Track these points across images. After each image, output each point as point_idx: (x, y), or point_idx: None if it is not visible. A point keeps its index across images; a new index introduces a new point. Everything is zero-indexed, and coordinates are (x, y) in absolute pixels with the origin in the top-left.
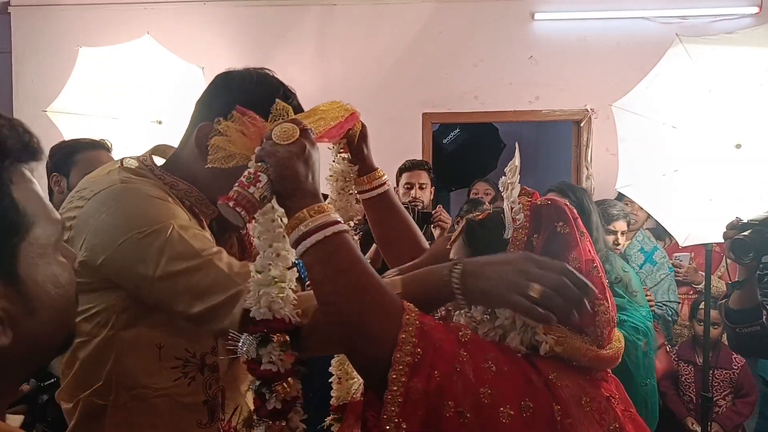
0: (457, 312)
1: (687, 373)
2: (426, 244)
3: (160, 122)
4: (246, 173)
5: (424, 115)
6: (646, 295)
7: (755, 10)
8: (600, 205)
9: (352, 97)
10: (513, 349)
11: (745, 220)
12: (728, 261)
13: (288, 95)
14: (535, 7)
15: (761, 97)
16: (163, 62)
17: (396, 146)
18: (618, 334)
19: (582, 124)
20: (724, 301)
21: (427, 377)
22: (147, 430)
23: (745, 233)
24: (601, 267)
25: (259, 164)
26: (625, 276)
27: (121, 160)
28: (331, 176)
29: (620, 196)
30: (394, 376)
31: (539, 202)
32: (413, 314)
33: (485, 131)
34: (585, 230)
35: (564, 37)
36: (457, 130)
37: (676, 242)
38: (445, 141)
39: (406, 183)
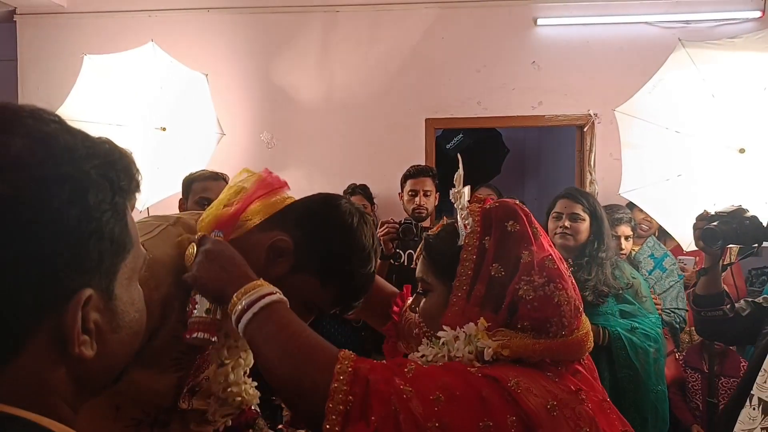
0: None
1: (694, 380)
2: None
3: (164, 129)
4: (189, 303)
5: (427, 120)
6: (655, 302)
7: (758, 14)
8: (606, 210)
9: (354, 103)
10: (466, 364)
11: (713, 213)
12: (733, 273)
13: (369, 259)
14: (537, 12)
15: (765, 101)
16: (167, 69)
17: (399, 152)
18: (584, 320)
19: (585, 129)
20: (692, 289)
21: (364, 423)
22: None
23: (714, 224)
24: (558, 258)
25: (192, 290)
26: (635, 282)
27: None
28: None
29: (632, 204)
30: (327, 427)
31: (488, 206)
32: (347, 362)
33: (488, 137)
34: (539, 226)
35: (567, 43)
36: (460, 135)
37: (679, 245)
38: (448, 146)
39: (411, 190)
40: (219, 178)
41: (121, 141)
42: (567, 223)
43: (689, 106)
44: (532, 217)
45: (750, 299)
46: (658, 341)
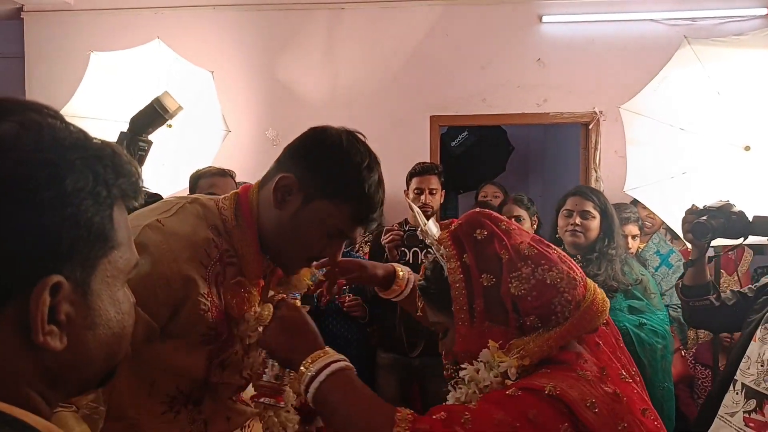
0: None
1: (704, 376)
2: None
3: (170, 126)
4: (261, 364)
5: (432, 117)
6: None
7: (764, 11)
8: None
9: (359, 100)
10: (503, 389)
11: (702, 207)
12: (739, 271)
13: (372, 168)
14: (542, 9)
15: None
16: (173, 66)
17: (404, 149)
18: (589, 285)
19: (590, 127)
20: (680, 280)
21: None
22: None
23: (704, 218)
24: (537, 242)
25: (263, 351)
26: (644, 279)
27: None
28: None
29: (635, 201)
30: None
31: (453, 227)
32: (404, 424)
33: (493, 134)
34: (506, 221)
35: (571, 40)
36: (465, 133)
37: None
38: (453, 144)
39: (416, 188)
40: (226, 175)
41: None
42: (578, 221)
43: (694, 103)
44: (498, 216)
45: (736, 289)
46: (665, 338)
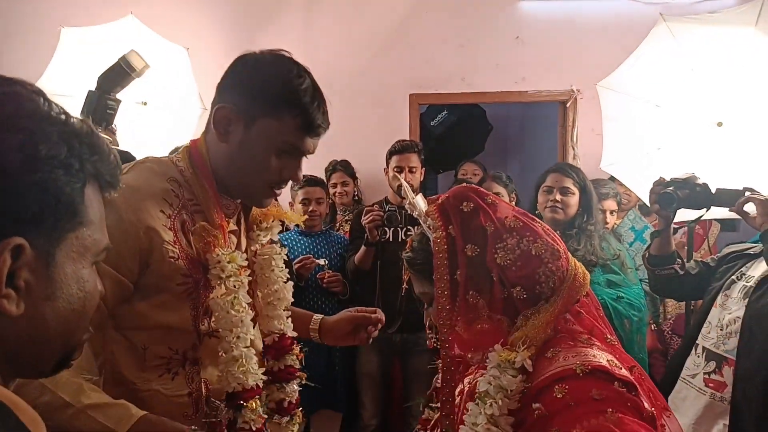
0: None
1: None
2: None
3: (145, 103)
4: None
5: (411, 96)
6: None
7: None
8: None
9: (338, 78)
10: (524, 387)
11: (668, 179)
12: (710, 241)
13: (301, 75)
14: None
15: (743, 75)
16: (147, 43)
17: (384, 128)
18: (572, 259)
19: (568, 105)
20: (647, 250)
21: None
22: None
23: (670, 188)
24: (521, 214)
25: None
26: (621, 254)
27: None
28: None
29: (612, 177)
30: None
31: (440, 200)
32: None
33: (472, 113)
34: (492, 195)
35: (550, 18)
36: (445, 112)
37: None
38: (432, 123)
39: (396, 166)
40: None
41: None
42: (558, 197)
43: (669, 80)
44: (483, 190)
45: (700, 259)
46: (641, 311)
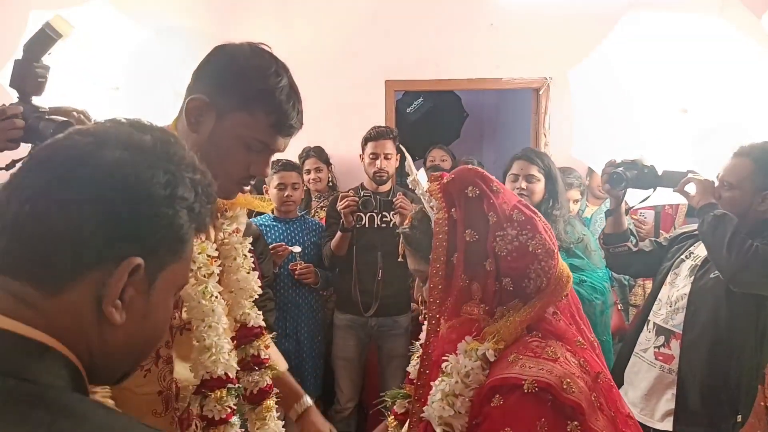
0: None
1: None
2: None
3: (117, 88)
4: None
5: (387, 82)
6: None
7: None
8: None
9: (313, 64)
10: (483, 377)
11: (619, 161)
12: (676, 224)
13: (279, 73)
14: None
15: (707, 63)
16: (117, 26)
17: (359, 114)
18: (560, 261)
19: (541, 92)
20: (602, 231)
21: None
22: None
23: (620, 168)
24: (524, 206)
25: None
26: (585, 238)
27: None
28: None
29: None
30: None
31: (446, 180)
32: None
33: (448, 100)
34: (498, 183)
35: (524, 5)
36: (420, 99)
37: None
38: (408, 110)
39: (371, 153)
40: None
41: (73, 101)
42: (523, 184)
43: (636, 67)
44: (488, 176)
45: (654, 238)
46: (604, 294)
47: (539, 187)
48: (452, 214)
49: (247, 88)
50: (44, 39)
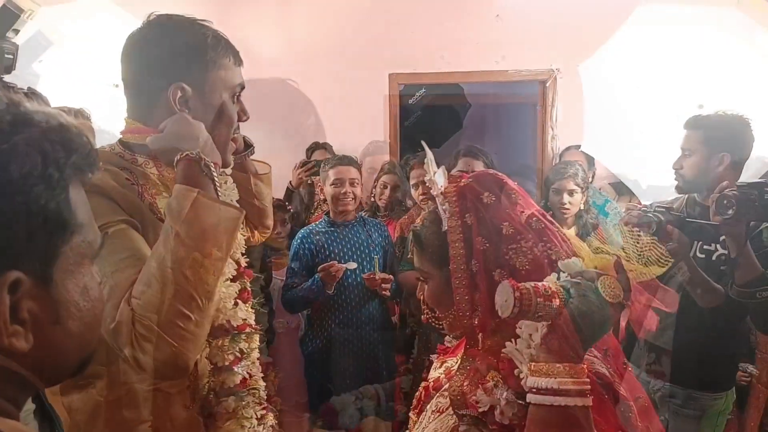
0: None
1: None
2: None
3: (117, 85)
4: (544, 285)
5: (391, 75)
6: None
7: None
8: (557, 167)
9: (315, 57)
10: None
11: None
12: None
13: (203, 23)
14: None
15: (723, 57)
16: (116, 21)
17: (363, 107)
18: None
19: (548, 84)
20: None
21: None
22: (140, 423)
23: (732, 192)
24: (542, 215)
25: (562, 290)
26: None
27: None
28: None
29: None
30: None
31: (463, 183)
32: None
33: (451, 91)
34: (517, 188)
35: None
36: (423, 90)
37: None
38: (410, 101)
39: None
40: None
41: (73, 98)
42: None
43: (650, 61)
44: (507, 183)
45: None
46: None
47: None
48: (466, 220)
49: (204, 50)
50: (7, 16)
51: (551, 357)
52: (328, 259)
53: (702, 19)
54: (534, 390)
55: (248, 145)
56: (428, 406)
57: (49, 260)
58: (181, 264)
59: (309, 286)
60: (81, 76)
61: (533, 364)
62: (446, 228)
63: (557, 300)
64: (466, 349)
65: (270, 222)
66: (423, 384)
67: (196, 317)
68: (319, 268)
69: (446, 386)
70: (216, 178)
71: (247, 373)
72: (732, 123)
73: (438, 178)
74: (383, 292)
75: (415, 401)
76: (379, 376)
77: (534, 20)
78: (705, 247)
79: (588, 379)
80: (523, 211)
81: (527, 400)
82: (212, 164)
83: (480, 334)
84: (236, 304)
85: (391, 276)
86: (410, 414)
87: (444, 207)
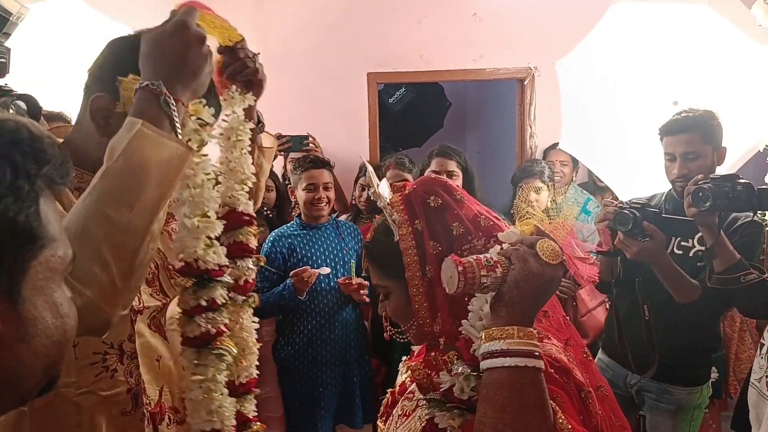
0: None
1: None
2: None
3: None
4: (486, 257)
5: (369, 74)
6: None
7: None
8: (524, 165)
9: (292, 56)
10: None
11: (709, 175)
12: None
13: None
14: None
15: (697, 54)
16: (90, 23)
17: (342, 107)
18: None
19: (526, 83)
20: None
21: None
22: (71, 430)
23: (707, 185)
24: (490, 213)
25: (504, 259)
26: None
27: None
28: (221, 134)
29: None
30: None
31: (407, 191)
32: None
33: (430, 90)
34: (461, 190)
35: None
36: (403, 89)
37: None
38: (390, 100)
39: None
40: None
41: (46, 99)
42: None
43: (626, 58)
44: (452, 185)
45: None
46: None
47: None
48: (416, 226)
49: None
50: None
51: (500, 323)
52: (300, 263)
53: (677, 16)
54: (487, 355)
55: (260, 122)
56: (394, 411)
57: (17, 275)
58: (106, 201)
59: (280, 291)
60: (51, 76)
61: (485, 332)
62: (398, 238)
63: (500, 269)
64: (428, 347)
65: (260, 199)
66: (389, 390)
67: (116, 267)
68: (291, 274)
69: (411, 387)
70: (175, 116)
71: (215, 330)
72: (714, 117)
73: (382, 189)
74: (360, 298)
75: (382, 408)
76: (354, 382)
77: (511, 19)
78: (683, 243)
79: (538, 342)
80: (470, 213)
81: (481, 369)
82: (173, 100)
83: (442, 339)
84: (211, 246)
85: (367, 282)
86: (378, 422)
87: (393, 217)
